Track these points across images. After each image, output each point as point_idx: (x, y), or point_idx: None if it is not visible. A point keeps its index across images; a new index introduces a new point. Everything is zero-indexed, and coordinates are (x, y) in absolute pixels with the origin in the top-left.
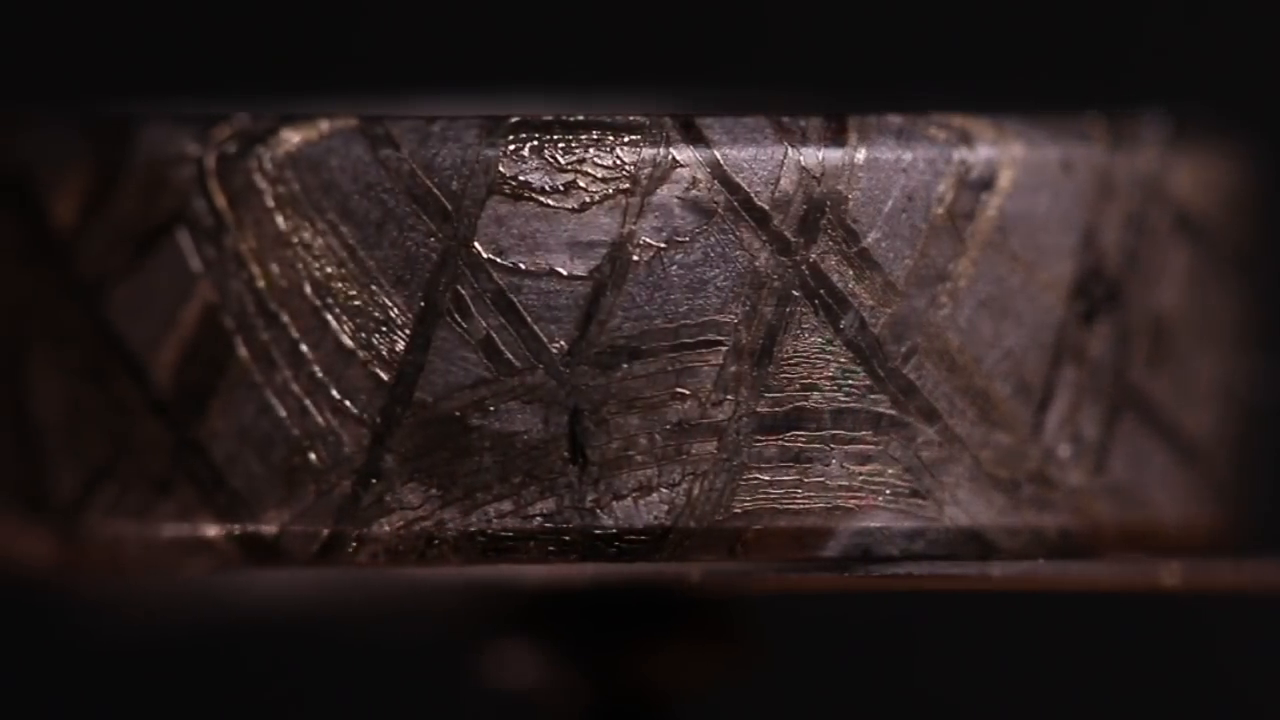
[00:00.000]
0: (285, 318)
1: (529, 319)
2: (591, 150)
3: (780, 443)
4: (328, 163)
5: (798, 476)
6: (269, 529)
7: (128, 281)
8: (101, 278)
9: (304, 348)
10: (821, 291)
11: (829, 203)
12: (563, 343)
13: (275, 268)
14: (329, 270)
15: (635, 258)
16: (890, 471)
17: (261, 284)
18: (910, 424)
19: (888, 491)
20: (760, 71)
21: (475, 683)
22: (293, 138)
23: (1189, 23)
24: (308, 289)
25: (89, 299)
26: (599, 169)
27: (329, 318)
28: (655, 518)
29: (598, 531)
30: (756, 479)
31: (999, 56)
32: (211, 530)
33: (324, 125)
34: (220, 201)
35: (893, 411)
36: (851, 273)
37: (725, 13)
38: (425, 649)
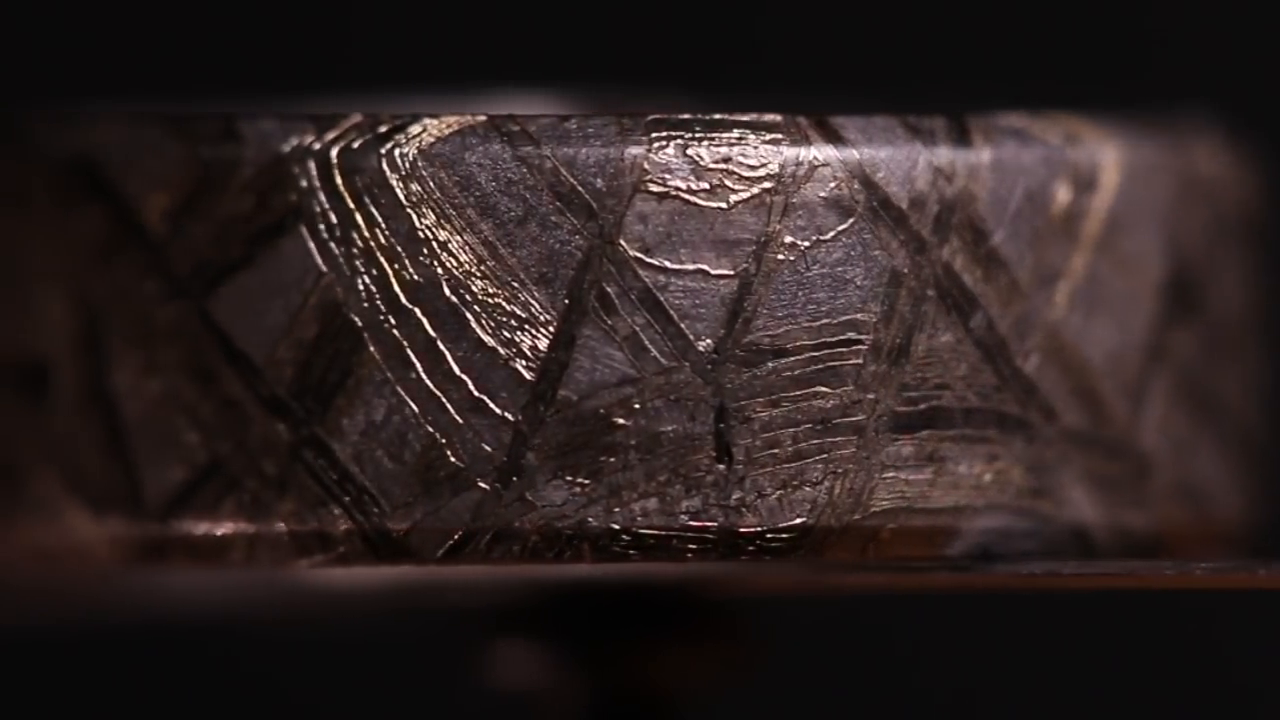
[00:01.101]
0: (420, 315)
1: (675, 317)
2: (735, 149)
3: (916, 441)
4: (464, 159)
5: (931, 475)
6: (399, 526)
7: (236, 279)
8: (204, 275)
9: (441, 345)
10: (954, 291)
11: (960, 203)
12: (709, 341)
13: (408, 264)
14: (467, 267)
15: (780, 256)
16: (1014, 471)
17: (394, 281)
18: (1032, 423)
19: (1011, 491)
20: (759, 72)
21: (477, 683)
22: (424, 134)
23: (1189, 23)
24: (444, 286)
25: (190, 297)
26: (743, 168)
27: (467, 315)
28: (798, 517)
29: (742, 530)
30: (893, 477)
31: (999, 56)
32: (334, 527)
33: (454, 122)
34: (345, 199)
35: (1017, 411)
36: (980, 272)
37: (723, 12)
38: (426, 649)
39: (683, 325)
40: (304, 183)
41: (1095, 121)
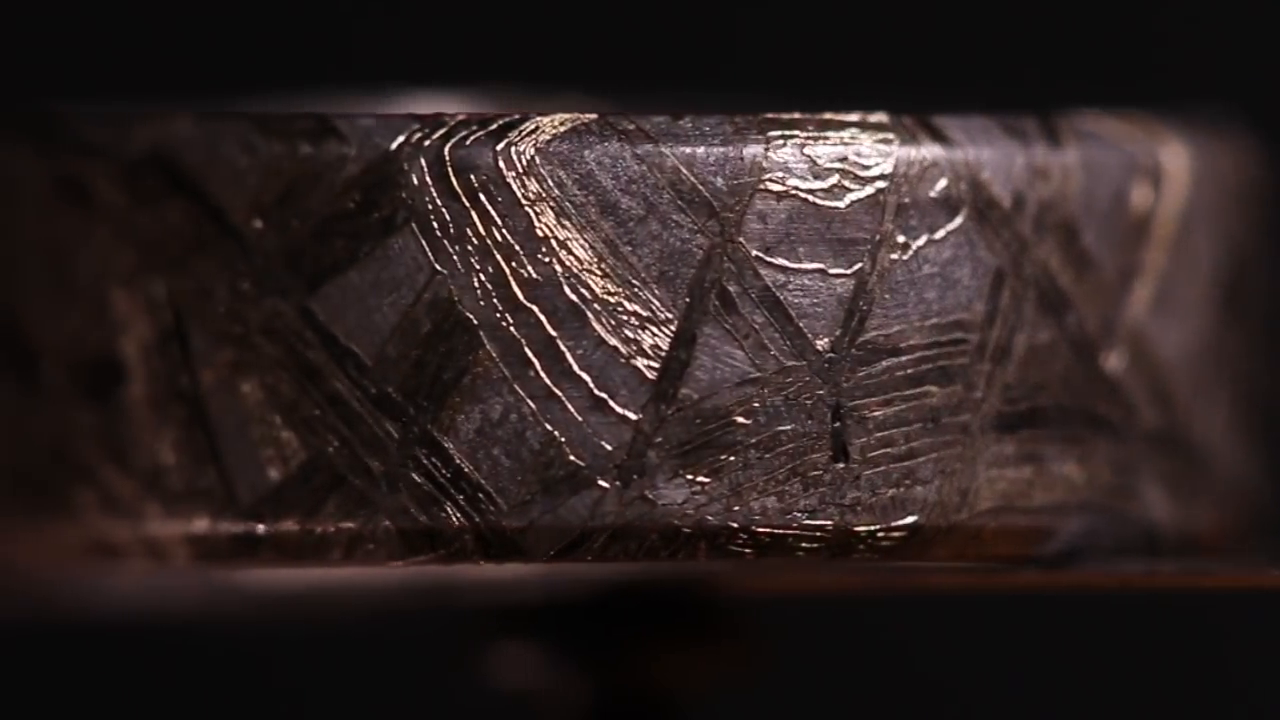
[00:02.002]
0: (538, 313)
1: (794, 316)
2: (849, 149)
3: (1017, 441)
4: (583, 157)
5: (1031, 475)
6: (515, 524)
7: (341, 277)
8: (305, 273)
9: (560, 343)
10: (1050, 291)
11: (1055, 203)
12: (826, 340)
13: (526, 262)
14: (588, 265)
15: (893, 256)
16: (1102, 471)
17: (511, 279)
18: (1116, 423)
19: (1099, 491)
20: (753, 72)
21: (479, 683)
22: (539, 132)
23: (1186, 22)
24: (564, 284)
25: (289, 295)
26: (858, 167)
27: (587, 313)
28: (909, 515)
29: (857, 530)
30: (997, 476)
31: (999, 56)
32: (446, 525)
33: (568, 119)
34: (459, 196)
35: (1104, 411)
36: (1072, 272)
37: (720, 13)
38: (428, 649)
39: (801, 324)
40: (414, 180)
41: (1166, 121)
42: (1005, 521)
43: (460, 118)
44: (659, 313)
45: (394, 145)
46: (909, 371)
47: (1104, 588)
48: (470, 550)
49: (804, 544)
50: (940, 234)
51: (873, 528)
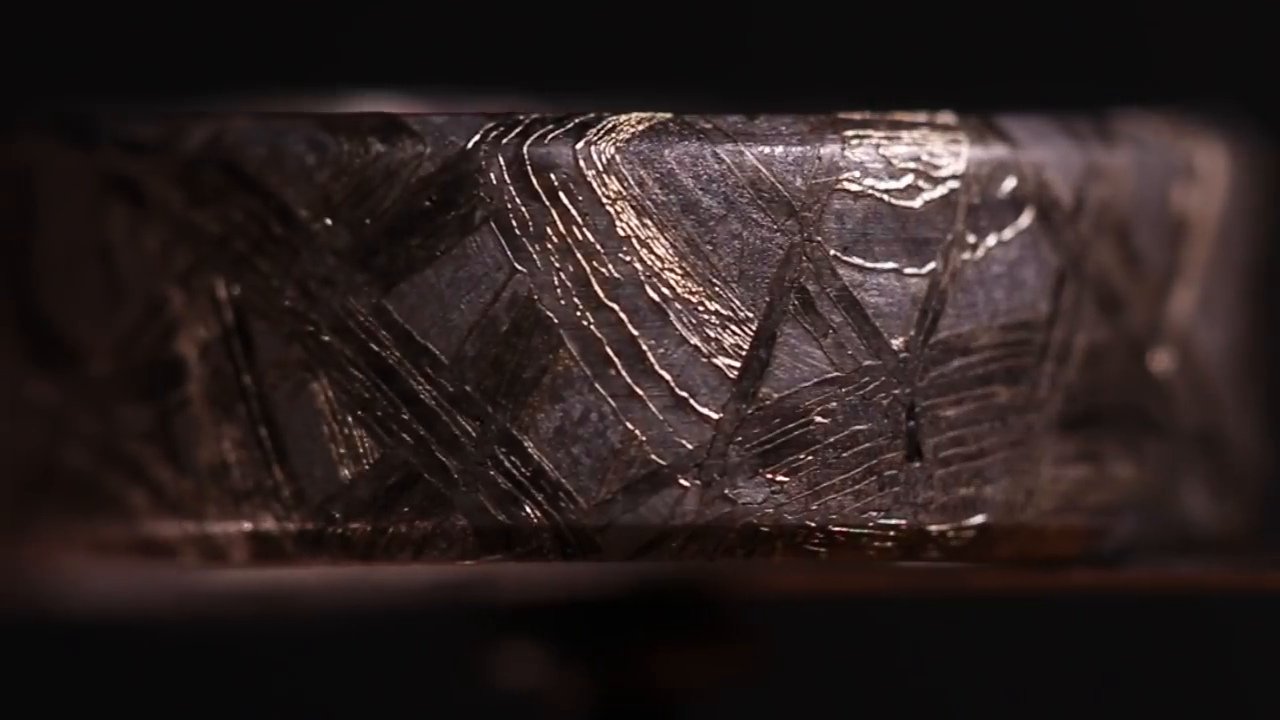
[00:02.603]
0: (620, 312)
1: (871, 315)
2: (922, 149)
3: (1077, 441)
4: (664, 156)
5: (1090, 475)
6: (595, 523)
7: (417, 276)
8: (378, 272)
9: (641, 342)
10: (1107, 291)
11: (1111, 203)
12: (901, 339)
13: (607, 261)
14: (669, 264)
15: (965, 256)
16: (1153, 471)
17: (592, 278)
18: (1165, 423)
19: (1150, 490)
20: (750, 72)
21: (481, 682)
22: (618, 131)
23: (1181, 22)
24: (645, 283)
25: (362, 293)
26: (931, 168)
27: (668, 312)
28: (979, 515)
29: (929, 529)
30: (1059, 476)
31: (998, 56)
32: (524, 523)
33: (645, 118)
34: (539, 195)
35: (1155, 410)
36: (1125, 272)
37: (717, 13)
38: (429, 649)
39: (877, 324)
40: (492, 178)
41: (1202, 122)
42: (1065, 521)
43: (534, 115)
44: (739, 311)
45: (470, 143)
46: (979, 371)
47: (1149, 588)
48: (547, 549)
49: (877, 543)
50: (1008, 234)
51: (944, 527)
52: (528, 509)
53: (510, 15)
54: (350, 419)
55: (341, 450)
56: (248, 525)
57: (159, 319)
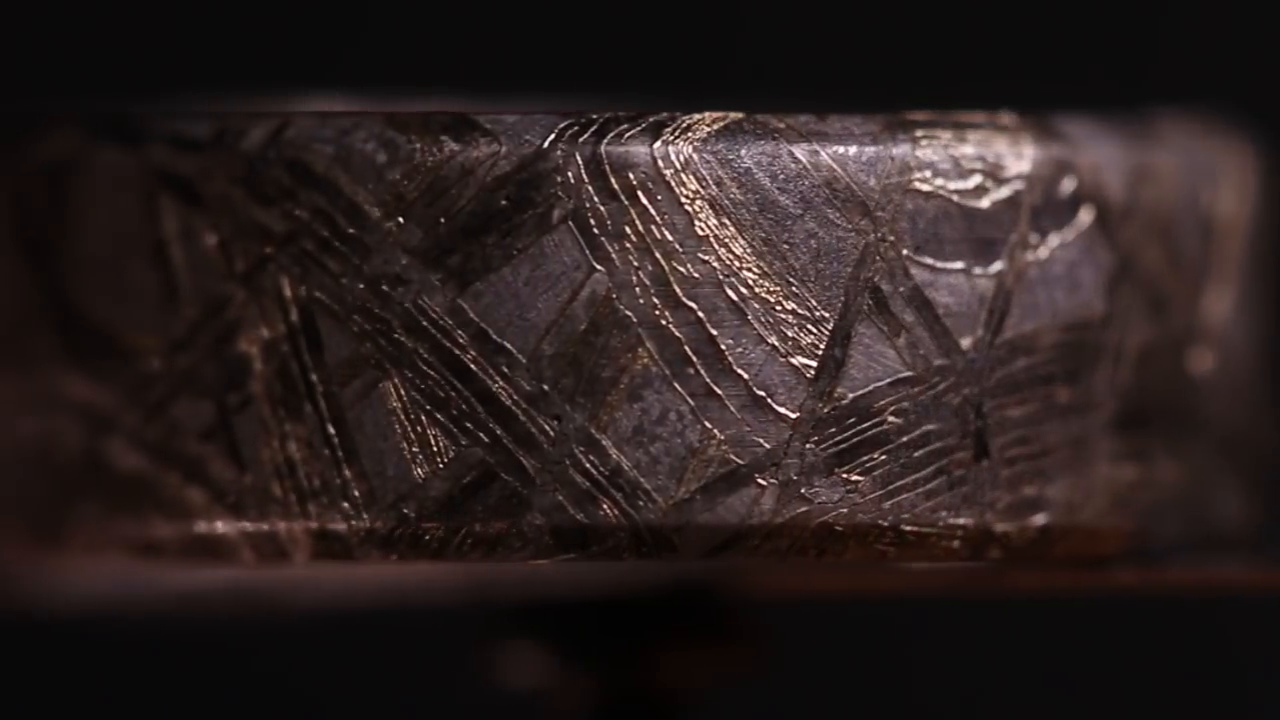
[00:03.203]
0: (698, 311)
1: (941, 315)
2: (989, 149)
3: (1129, 441)
4: (740, 156)
5: (1139, 475)
6: (672, 523)
7: (493, 275)
8: (452, 270)
9: (720, 341)
10: (1156, 292)
11: (1159, 204)
12: (969, 339)
13: (686, 261)
14: (746, 263)
15: (1029, 256)
16: (1196, 471)
17: (671, 277)
18: (1206, 423)
19: (1193, 490)
20: (746, 73)
21: (483, 682)
22: (694, 131)
23: (1177, 22)
24: (723, 282)
25: (435, 292)
26: (998, 168)
27: (746, 311)
28: (1041, 515)
29: (996, 529)
30: (1112, 476)
31: (998, 56)
32: (601, 523)
33: (720, 118)
34: (618, 194)
35: (1197, 409)
36: (1171, 274)
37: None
38: (432, 648)
39: (947, 323)
40: (570, 177)
41: (1230, 123)
42: (1116, 521)
43: (608, 115)
44: (815, 311)
45: (546, 142)
46: (1041, 371)
47: (1190, 588)
48: (623, 548)
49: (945, 543)
50: (1068, 234)
51: (1009, 527)
52: (605, 508)
53: (503, 15)
54: (424, 418)
55: (415, 449)
56: (314, 524)
57: (219, 318)
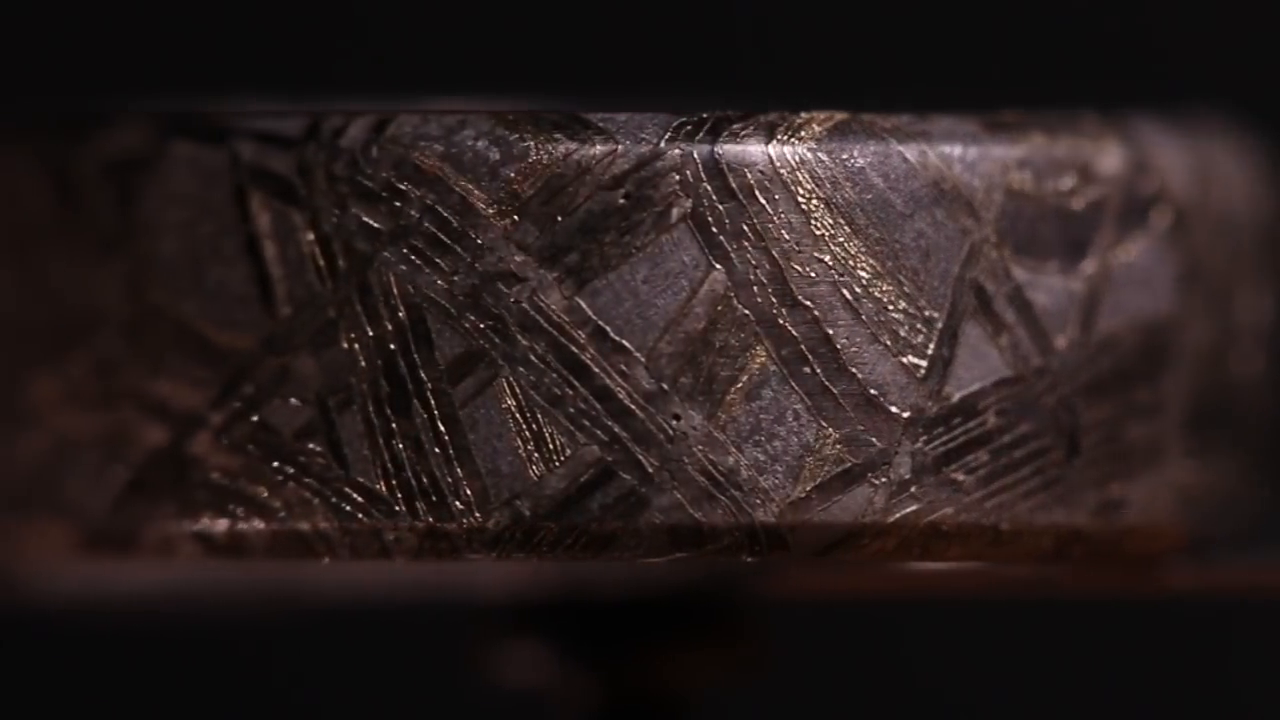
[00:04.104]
0: (815, 310)
1: (1039, 315)
2: (1080, 149)
3: (1194, 440)
4: (854, 155)
5: (1202, 474)
6: (786, 522)
7: (612, 273)
8: (569, 268)
9: (835, 341)
10: (1219, 292)
11: (1221, 205)
12: (1063, 339)
13: (803, 260)
14: (860, 262)
15: (1117, 257)
16: (1245, 469)
17: (788, 276)
18: (1257, 422)
19: (1242, 488)
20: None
21: (487, 682)
22: (807, 131)
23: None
24: (838, 281)
25: (552, 291)
26: (1089, 169)
27: (860, 310)
28: (1126, 513)
29: (1085, 528)
30: (1180, 476)
31: (997, 56)
32: (717, 521)
33: (830, 117)
34: (735, 194)
35: (1251, 409)
36: (1232, 274)
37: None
38: (435, 647)
39: (1044, 323)
40: (688, 176)
41: (1244, 127)
42: (1183, 519)
43: (720, 114)
44: (925, 311)
45: (662, 141)
46: (1124, 371)
47: (1249, 589)
48: (736, 548)
49: (1036, 542)
50: (1148, 235)
51: (1095, 526)
52: (722, 507)
53: (496, 14)
54: (540, 416)
55: (530, 447)
56: (421, 523)
57: (318, 316)
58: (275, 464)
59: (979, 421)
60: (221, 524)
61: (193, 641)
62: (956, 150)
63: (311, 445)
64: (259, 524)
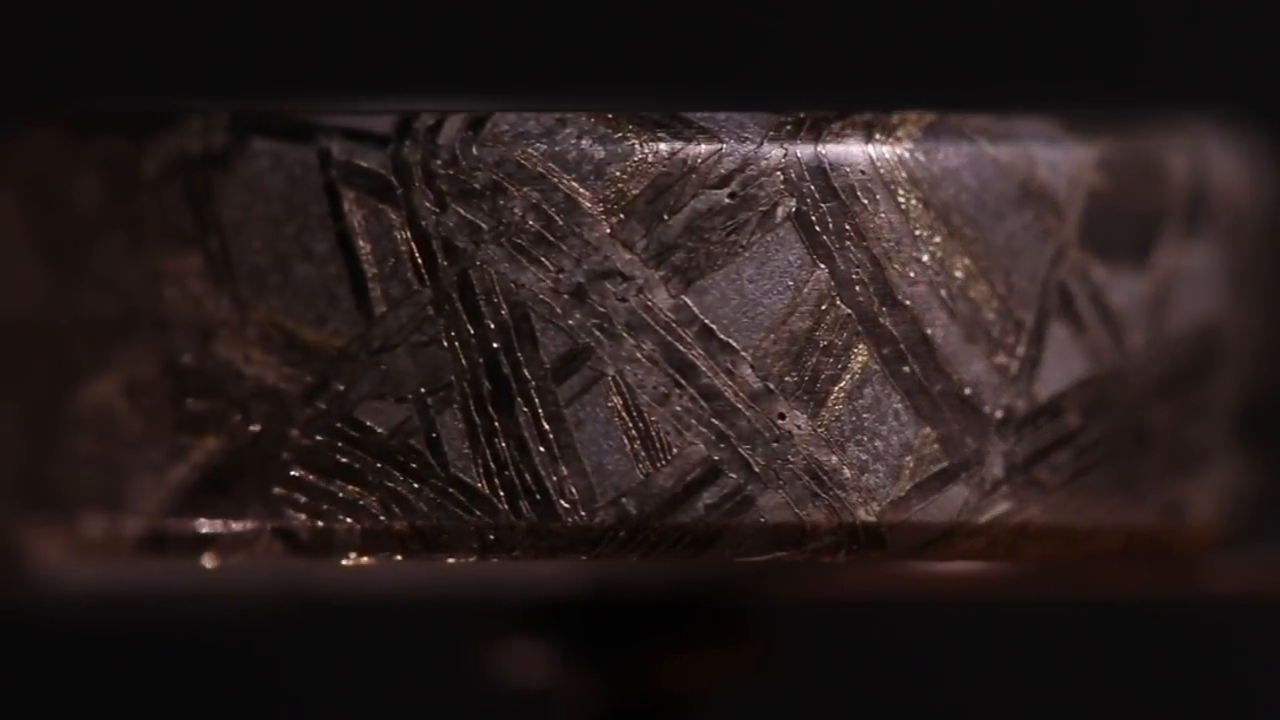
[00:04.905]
0: (913, 310)
1: (1115, 316)
2: (1149, 150)
3: (1243, 438)
4: (947, 156)
5: (1248, 471)
6: (887, 521)
7: (718, 272)
8: (679, 268)
9: (933, 340)
10: (1265, 292)
11: (1260, 205)
12: (1136, 340)
13: (902, 260)
14: (957, 262)
15: (1182, 258)
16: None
17: (889, 276)
18: None
19: (1275, 488)
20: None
21: (491, 682)
22: (902, 131)
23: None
24: (936, 281)
25: (658, 290)
26: (1157, 169)
27: (955, 311)
28: (1189, 512)
29: (1156, 527)
30: (1231, 474)
31: (996, 56)
32: (819, 519)
33: (922, 118)
34: (838, 194)
35: None
36: (1272, 271)
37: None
38: (439, 647)
39: (1120, 324)
40: (792, 175)
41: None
42: (1230, 520)
43: (816, 114)
44: (1016, 311)
45: (765, 141)
46: (1190, 371)
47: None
48: (834, 546)
49: (1109, 542)
50: (1208, 237)
51: (1162, 525)
52: (825, 506)
53: (491, 14)
54: (647, 415)
55: (636, 446)
56: (525, 521)
57: (416, 314)
58: (369, 462)
59: (1063, 422)
60: (307, 522)
61: (193, 641)
62: (1041, 151)
63: (410, 443)
64: (349, 522)
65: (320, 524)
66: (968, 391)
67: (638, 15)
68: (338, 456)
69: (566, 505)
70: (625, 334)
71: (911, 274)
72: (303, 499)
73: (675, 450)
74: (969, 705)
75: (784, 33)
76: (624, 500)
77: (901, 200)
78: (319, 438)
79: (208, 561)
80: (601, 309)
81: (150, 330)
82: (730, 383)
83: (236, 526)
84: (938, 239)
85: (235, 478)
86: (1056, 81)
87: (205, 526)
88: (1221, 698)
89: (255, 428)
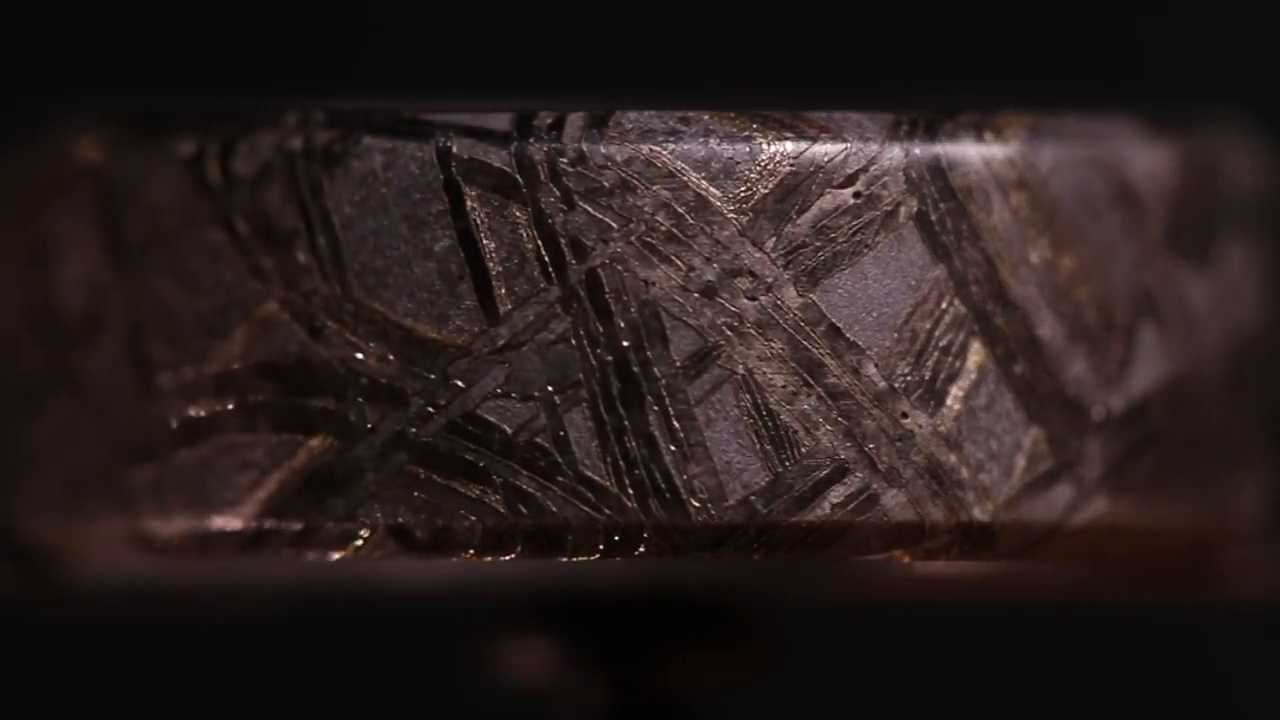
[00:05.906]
0: (1023, 309)
1: (1193, 317)
2: (1209, 153)
3: (1270, 442)
4: (1052, 157)
5: (1275, 478)
6: (1000, 520)
7: (844, 272)
8: (807, 268)
9: (1041, 340)
10: None
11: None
12: (1209, 343)
13: (1012, 260)
14: (1061, 264)
15: (1239, 261)
16: None
17: (1001, 276)
18: None
19: None
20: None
21: (494, 681)
22: (1006, 133)
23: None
24: (1043, 282)
25: (787, 289)
26: (1219, 172)
27: (1058, 310)
28: (1231, 513)
29: (1228, 527)
30: (1260, 478)
31: (996, 56)
32: (936, 518)
33: (1020, 121)
34: (954, 195)
35: None
36: None
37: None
38: (442, 647)
39: (1197, 325)
40: (913, 175)
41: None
42: (1258, 521)
43: (929, 114)
44: (1112, 313)
45: (886, 141)
46: (1242, 374)
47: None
48: (948, 545)
49: (1176, 540)
50: (1256, 240)
51: (1214, 525)
52: (943, 505)
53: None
54: (776, 412)
55: (767, 445)
56: (654, 519)
57: (542, 312)
58: (493, 460)
59: (1149, 422)
60: (425, 520)
61: (193, 640)
62: (1130, 152)
63: (536, 441)
64: (471, 519)
65: (440, 522)
66: (1072, 392)
67: (626, 14)
68: (459, 454)
69: (696, 504)
70: (755, 333)
71: (1022, 274)
72: (421, 496)
73: (804, 449)
74: (969, 705)
75: (752, 33)
76: (753, 499)
77: (1013, 201)
78: (439, 435)
79: (310, 559)
80: (732, 308)
81: (246, 328)
82: (857, 382)
83: (346, 526)
84: (1045, 239)
85: (345, 476)
86: (1056, 82)
87: (311, 525)
88: (1221, 697)
89: (368, 425)
